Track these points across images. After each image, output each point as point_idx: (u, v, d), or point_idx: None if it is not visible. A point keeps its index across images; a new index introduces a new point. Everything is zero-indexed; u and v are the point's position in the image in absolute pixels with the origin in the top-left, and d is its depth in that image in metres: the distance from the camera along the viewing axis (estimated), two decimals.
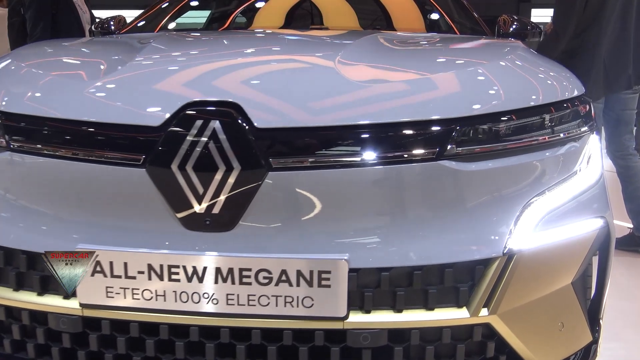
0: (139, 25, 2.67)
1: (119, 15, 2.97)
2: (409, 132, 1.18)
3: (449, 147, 1.20)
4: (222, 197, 1.16)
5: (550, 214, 1.30)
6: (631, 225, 3.38)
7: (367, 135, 1.17)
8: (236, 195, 1.16)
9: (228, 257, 1.17)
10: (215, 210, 1.17)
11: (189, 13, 3.18)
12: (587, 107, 1.48)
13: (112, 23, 2.88)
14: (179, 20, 2.92)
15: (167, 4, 2.89)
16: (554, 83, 1.48)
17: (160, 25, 2.64)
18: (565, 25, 3.04)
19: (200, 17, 3.30)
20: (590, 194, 1.38)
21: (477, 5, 3.08)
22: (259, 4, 2.96)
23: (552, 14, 3.22)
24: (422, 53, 1.66)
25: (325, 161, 1.16)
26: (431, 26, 2.74)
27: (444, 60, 1.54)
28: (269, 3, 2.94)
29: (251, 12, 2.91)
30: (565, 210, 1.32)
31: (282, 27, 2.55)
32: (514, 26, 2.71)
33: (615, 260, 3.31)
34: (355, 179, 1.17)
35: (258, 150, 1.15)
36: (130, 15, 3.15)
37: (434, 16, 2.82)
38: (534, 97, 1.35)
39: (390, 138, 1.17)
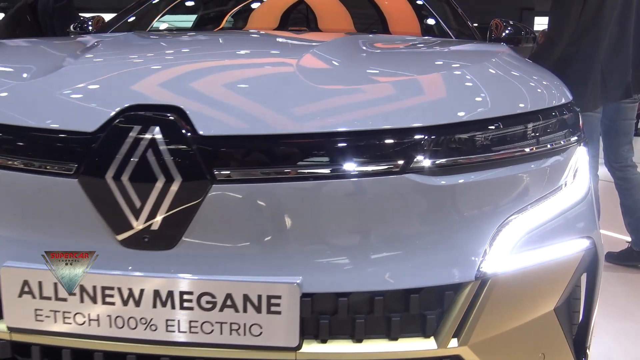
0: (115, 25, 2.56)
1: (97, 16, 2.87)
2: (370, 142, 1.06)
3: (416, 159, 1.08)
4: (162, 212, 1.05)
5: (531, 233, 1.18)
6: (629, 239, 3.25)
7: (322, 146, 1.05)
8: (177, 209, 1.04)
9: (167, 279, 1.05)
10: (154, 226, 1.05)
11: (179, 16, 3.10)
12: (575, 116, 1.36)
13: (90, 23, 2.78)
14: (165, 21, 2.83)
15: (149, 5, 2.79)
16: (539, 89, 1.36)
17: (137, 24, 2.53)
18: (560, 32, 2.92)
19: (187, 20, 3.22)
20: (576, 211, 1.26)
21: (481, 14, 2.98)
22: (254, 5, 2.88)
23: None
24: (394, 57, 1.54)
25: (274, 173, 1.04)
26: (427, 30, 2.65)
27: (416, 64, 1.41)
28: (262, 6, 2.85)
29: (244, 15, 2.83)
30: (547, 230, 1.20)
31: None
32: (507, 31, 2.59)
33: (613, 277, 3.21)
34: (309, 193, 1.05)
35: (201, 160, 1.03)
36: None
37: (429, 20, 2.74)
38: (515, 104, 1.23)
39: (349, 149, 1.05)
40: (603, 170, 3.21)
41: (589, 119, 2.99)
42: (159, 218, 1.05)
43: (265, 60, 1.36)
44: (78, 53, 1.37)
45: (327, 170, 1.04)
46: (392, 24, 2.65)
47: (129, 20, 2.61)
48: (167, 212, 1.04)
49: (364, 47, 1.54)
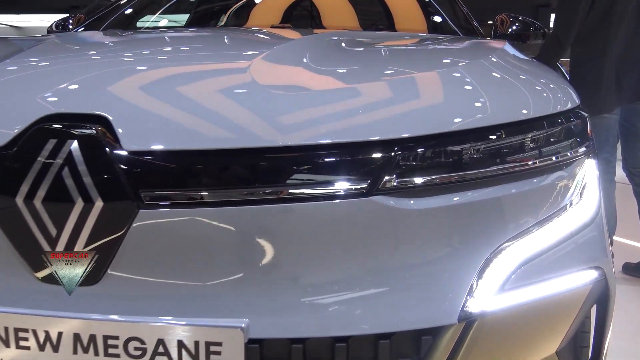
0: (91, 23, 2.41)
1: (79, 15, 2.73)
2: (329, 159, 0.88)
3: (385, 178, 0.90)
4: (82, 241, 0.88)
5: (528, 264, 0.99)
6: None
7: (271, 164, 0.88)
8: (99, 238, 0.88)
9: (89, 321, 0.88)
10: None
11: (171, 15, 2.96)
12: (583, 123, 1.17)
13: (70, 22, 2.64)
14: (156, 19, 2.70)
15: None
16: (541, 93, 1.17)
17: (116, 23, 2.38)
18: (567, 31, 2.72)
19: (180, 20, 3.08)
20: (583, 237, 1.06)
21: (496, 11, 2.80)
22: (249, 3, 2.74)
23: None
24: (371, 56, 1.33)
25: (212, 197, 0.87)
26: (433, 27, 2.49)
27: (394, 65, 1.21)
28: (264, 2, 2.71)
29: (245, 12, 2.68)
30: (548, 260, 1.01)
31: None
32: (514, 26, 2.39)
33: (631, 291, 2.99)
34: (255, 220, 0.87)
35: (126, 179, 0.86)
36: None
37: (434, 17, 2.59)
38: (511, 111, 1.05)
39: (303, 167, 0.88)
40: (619, 172, 3.00)
41: (605, 121, 2.79)
42: (78, 248, 0.88)
43: (213, 64, 1.16)
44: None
45: (277, 193, 0.87)
46: (399, 21, 2.52)
47: (109, 17, 2.47)
48: (88, 240, 0.88)
49: (341, 46, 1.34)
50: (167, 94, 0.97)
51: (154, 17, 2.78)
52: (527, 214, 1.02)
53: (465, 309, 0.93)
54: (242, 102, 0.93)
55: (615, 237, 3.10)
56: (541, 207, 1.04)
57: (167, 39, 1.56)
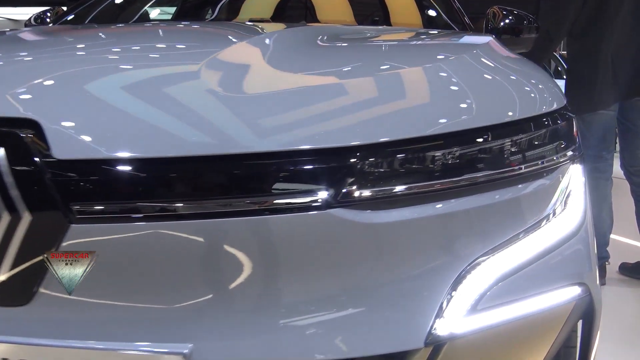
0: (68, 18, 2.32)
1: (58, 7, 2.63)
2: (281, 167, 0.80)
3: (344, 189, 0.81)
4: (9, 257, 0.80)
5: (504, 281, 0.91)
6: None
7: (215, 173, 0.79)
8: (29, 255, 0.80)
9: (18, 346, 0.80)
10: (1, 275, 0.81)
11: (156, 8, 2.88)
12: (569, 125, 1.08)
13: (49, 15, 2.55)
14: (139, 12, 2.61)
15: None
16: (524, 92, 1.08)
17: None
18: (557, 26, 2.65)
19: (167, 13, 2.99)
20: (566, 250, 0.98)
21: (499, 3, 2.72)
22: None
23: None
24: (342, 54, 1.22)
25: (150, 210, 0.78)
26: (429, 21, 2.42)
27: (362, 63, 1.11)
28: None
29: (235, 6, 2.60)
30: (526, 276, 0.93)
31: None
32: (507, 20, 2.30)
33: (627, 293, 2.91)
34: (197, 235, 0.79)
35: (56, 191, 0.78)
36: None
37: (428, 12, 2.51)
38: (488, 113, 0.96)
39: (252, 176, 0.79)
40: (616, 169, 2.92)
41: (602, 118, 2.71)
42: (5, 265, 0.80)
43: (164, 63, 1.06)
44: None
45: (222, 206, 0.78)
46: (394, 16, 2.46)
47: (91, 10, 2.38)
48: (16, 257, 0.80)
49: (313, 43, 1.25)
50: (107, 95, 0.88)
51: (138, 12, 2.69)
52: (504, 225, 0.93)
53: (433, 331, 0.85)
54: (186, 106, 0.84)
55: (612, 236, 3.02)
56: (521, 218, 0.96)
57: (124, 34, 1.46)
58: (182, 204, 0.78)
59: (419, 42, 1.39)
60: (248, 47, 1.12)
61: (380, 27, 2.06)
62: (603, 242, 2.87)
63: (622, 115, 2.81)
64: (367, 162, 0.82)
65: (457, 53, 1.16)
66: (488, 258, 0.91)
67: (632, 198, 2.93)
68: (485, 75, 1.07)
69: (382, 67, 1.03)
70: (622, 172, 2.93)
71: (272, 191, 0.79)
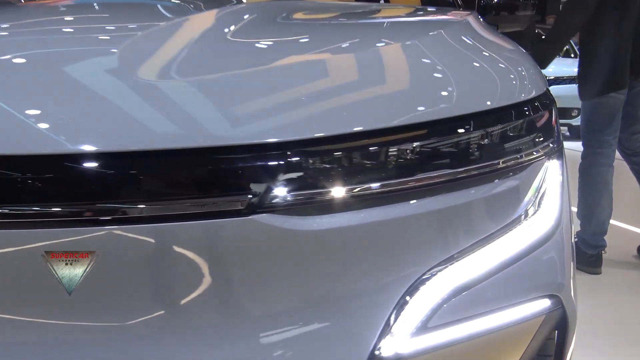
0: None
1: None
2: (196, 168, 0.68)
3: (272, 192, 0.70)
4: None
5: (462, 295, 0.80)
6: None
7: (124, 172, 0.67)
8: None
9: None
10: None
11: None
12: (548, 115, 0.96)
13: None
14: None
15: None
16: (498, 78, 0.96)
17: None
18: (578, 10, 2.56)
19: None
20: (537, 258, 0.87)
21: None
22: None
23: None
24: (285, 32, 1.05)
25: (47, 215, 0.67)
26: None
27: (312, 44, 0.96)
28: None
29: None
30: (489, 288, 0.82)
31: None
32: None
33: (629, 282, 2.81)
34: (96, 244, 0.68)
35: None
36: None
37: None
38: (448, 103, 0.84)
39: (164, 176, 0.68)
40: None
41: (612, 101, 2.66)
42: None
43: (77, 45, 0.91)
44: None
45: (130, 211, 0.67)
46: None
47: None
48: None
49: (266, 19, 1.11)
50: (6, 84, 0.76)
51: None
52: (465, 231, 0.82)
53: (376, 351, 0.75)
54: (94, 97, 0.72)
55: (618, 223, 2.94)
56: (485, 222, 0.85)
57: (48, 11, 1.30)
58: (79, 209, 0.67)
59: (385, 20, 1.25)
60: (175, 28, 0.97)
61: (361, 4, 1.92)
62: (601, 230, 2.78)
63: (626, 102, 2.71)
64: (300, 160, 0.71)
65: (427, 33, 1.03)
66: (445, 268, 0.80)
67: (634, 175, 2.86)
68: (450, 58, 0.94)
69: (328, 50, 0.91)
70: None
71: (184, 195, 0.68)
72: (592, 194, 2.75)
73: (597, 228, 2.77)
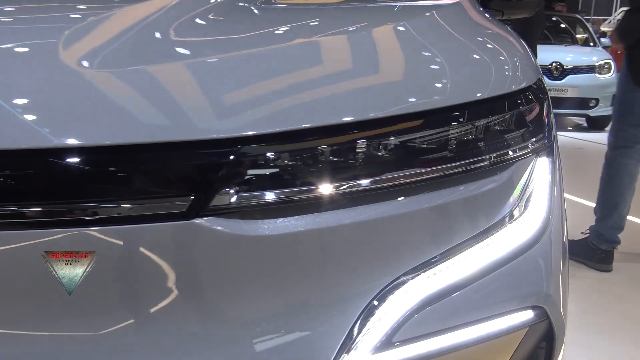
0: None
1: None
2: (129, 166, 0.62)
3: (218, 194, 0.64)
4: None
5: (433, 306, 0.73)
6: None
7: (47, 168, 0.61)
8: None
9: None
10: None
11: None
12: (539, 107, 0.88)
13: None
14: None
15: None
16: (483, 67, 0.87)
17: None
18: None
19: None
20: (521, 264, 0.79)
21: None
22: None
23: None
24: (264, 19, 0.94)
25: None
26: None
27: (278, 32, 0.87)
28: None
29: None
30: (465, 298, 0.75)
31: None
32: None
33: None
34: (24, 250, 0.62)
35: None
36: None
37: None
38: (423, 93, 0.76)
39: (93, 176, 0.62)
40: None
41: None
42: None
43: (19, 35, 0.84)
44: None
45: (59, 213, 0.61)
46: None
47: None
48: None
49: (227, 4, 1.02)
50: None
51: None
52: (440, 235, 0.75)
53: None
54: (28, 90, 0.66)
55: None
56: (462, 225, 0.77)
57: None
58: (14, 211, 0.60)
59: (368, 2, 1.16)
60: (121, 17, 0.86)
61: None
62: (619, 225, 2.69)
63: None
64: (249, 159, 0.64)
65: (406, 17, 0.95)
66: (416, 276, 0.73)
67: None
68: (426, 45, 0.86)
69: (290, 35, 0.83)
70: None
71: (125, 196, 0.61)
72: (618, 186, 2.65)
73: (616, 222, 2.68)
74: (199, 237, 0.63)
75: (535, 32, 3.96)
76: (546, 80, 7.11)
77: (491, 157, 0.78)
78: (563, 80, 7.01)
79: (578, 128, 7.33)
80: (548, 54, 6.99)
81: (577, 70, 7.12)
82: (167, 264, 0.63)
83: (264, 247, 0.65)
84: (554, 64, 7.04)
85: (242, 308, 0.67)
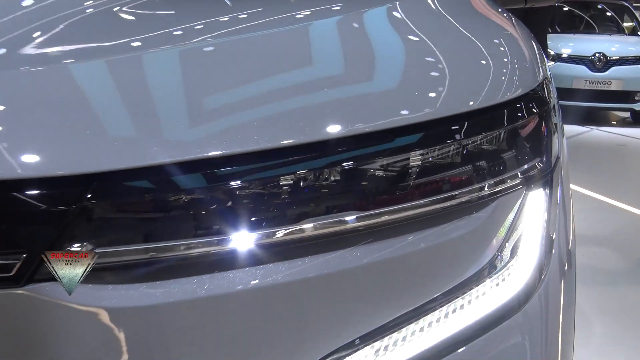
0: None
1: None
2: None
3: (61, 249, 0.47)
4: None
5: None
6: None
7: None
8: None
9: None
10: None
11: None
12: (536, 124, 0.68)
13: None
14: None
15: None
16: (471, 68, 0.67)
17: None
18: None
19: None
20: (497, 339, 0.60)
21: None
22: None
23: None
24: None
25: None
26: None
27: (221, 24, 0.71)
28: None
29: None
30: None
31: None
32: None
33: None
34: None
35: None
36: None
37: None
38: (380, 109, 0.57)
39: None
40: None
41: None
42: None
43: None
44: None
45: None
46: None
47: None
48: None
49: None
50: None
51: None
52: (392, 296, 0.56)
53: None
54: None
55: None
56: (424, 281, 0.58)
57: None
58: None
59: None
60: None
61: None
62: None
63: None
64: (103, 200, 0.47)
65: (377, 4, 0.75)
66: (357, 350, 0.55)
67: None
68: (400, 40, 0.66)
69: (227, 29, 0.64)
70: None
71: None
72: None
73: None
74: (31, 312, 0.46)
75: (542, 21, 3.53)
76: (588, 72, 6.64)
77: (462, 192, 0.58)
78: (607, 72, 6.60)
79: (622, 123, 6.92)
80: (591, 45, 6.60)
81: (622, 61, 6.68)
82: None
83: (137, 322, 0.48)
84: (597, 55, 6.63)
85: None
